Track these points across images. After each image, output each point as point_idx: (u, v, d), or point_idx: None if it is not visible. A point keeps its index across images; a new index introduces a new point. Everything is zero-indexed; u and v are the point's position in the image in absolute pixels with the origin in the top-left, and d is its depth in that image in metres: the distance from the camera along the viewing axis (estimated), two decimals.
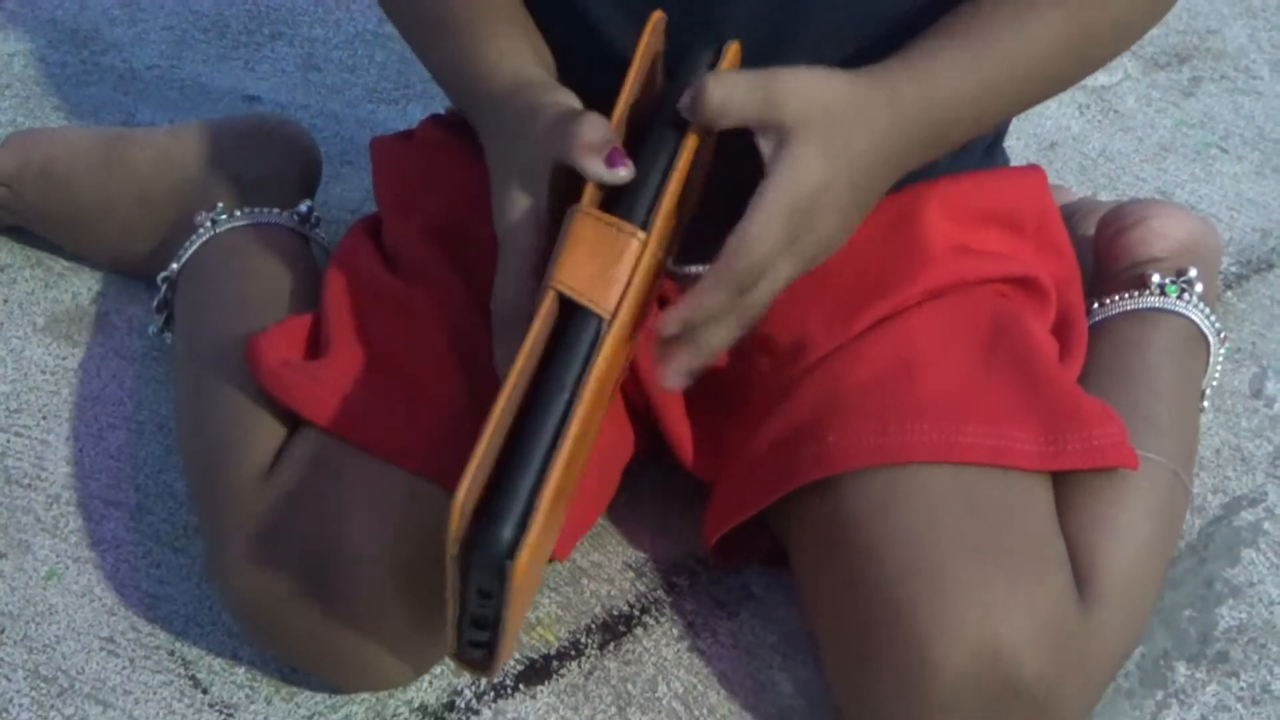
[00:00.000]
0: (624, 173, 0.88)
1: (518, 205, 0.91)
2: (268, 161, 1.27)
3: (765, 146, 0.88)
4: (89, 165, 1.30)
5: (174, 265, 1.22)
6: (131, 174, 1.29)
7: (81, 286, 1.33)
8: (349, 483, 0.97)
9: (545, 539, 0.85)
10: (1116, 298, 1.19)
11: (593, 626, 1.09)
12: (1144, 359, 1.14)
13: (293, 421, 1.03)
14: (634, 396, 1.08)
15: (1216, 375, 1.21)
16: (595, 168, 0.87)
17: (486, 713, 1.04)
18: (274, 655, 1.05)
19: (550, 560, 1.10)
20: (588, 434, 0.87)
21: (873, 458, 0.97)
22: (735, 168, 0.90)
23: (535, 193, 0.91)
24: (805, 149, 0.87)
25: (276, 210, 1.22)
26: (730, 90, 0.87)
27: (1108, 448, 1.00)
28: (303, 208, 1.24)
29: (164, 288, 1.23)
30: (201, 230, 1.21)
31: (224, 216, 1.21)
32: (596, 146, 0.88)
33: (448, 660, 1.03)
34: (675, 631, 1.09)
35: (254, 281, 1.16)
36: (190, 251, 1.21)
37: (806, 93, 0.88)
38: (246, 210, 1.22)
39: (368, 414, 0.99)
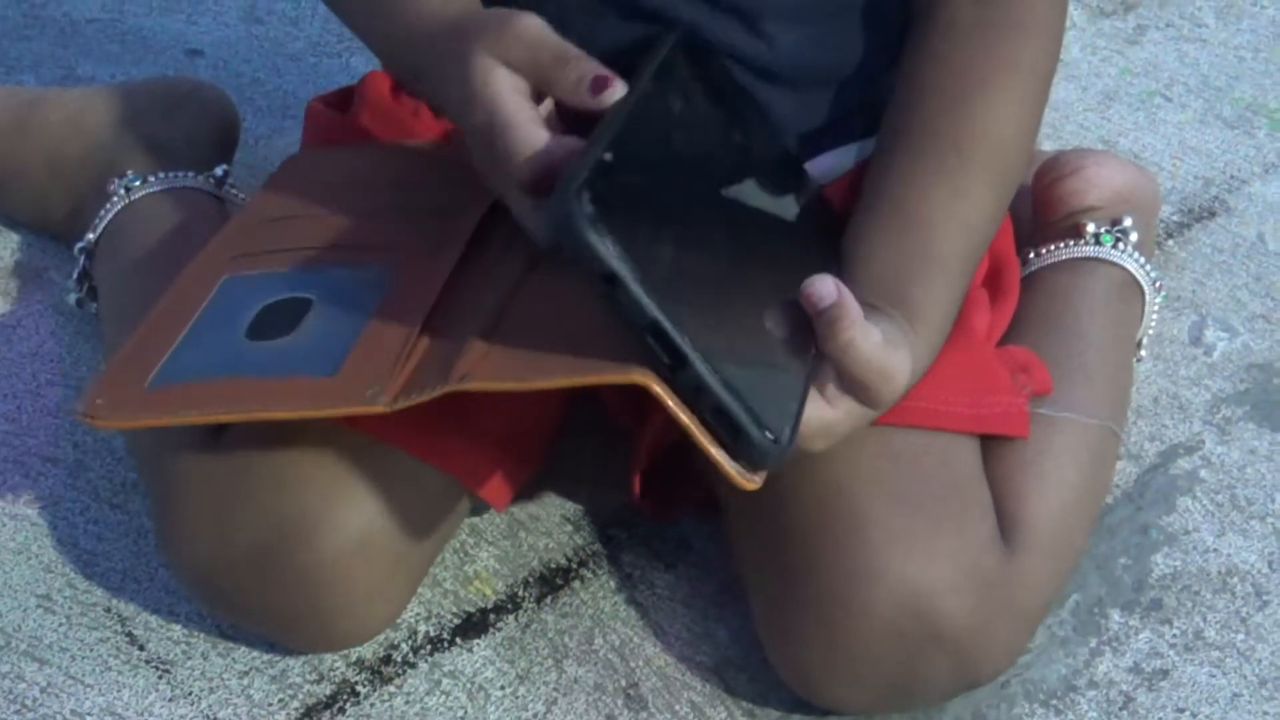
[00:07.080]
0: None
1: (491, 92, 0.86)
2: (181, 125, 1.26)
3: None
4: (2, 128, 1.29)
5: (90, 235, 1.21)
6: (43, 138, 1.27)
7: (20, 243, 1.32)
8: (303, 450, 0.97)
9: None
10: (1052, 247, 1.19)
11: (530, 580, 1.09)
12: (1077, 308, 1.14)
13: None
14: None
15: (1153, 324, 1.22)
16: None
17: (423, 666, 1.04)
18: (221, 618, 1.04)
19: (488, 511, 1.10)
20: None
21: None
22: None
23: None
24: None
25: (191, 174, 1.21)
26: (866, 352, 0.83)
27: (1008, 415, 1.02)
28: (218, 171, 1.23)
29: (82, 259, 1.22)
30: (115, 198, 1.20)
31: (137, 183, 1.20)
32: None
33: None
34: (613, 584, 1.09)
35: (174, 249, 1.15)
36: (105, 220, 1.20)
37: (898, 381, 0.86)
38: (159, 175, 1.21)
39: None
